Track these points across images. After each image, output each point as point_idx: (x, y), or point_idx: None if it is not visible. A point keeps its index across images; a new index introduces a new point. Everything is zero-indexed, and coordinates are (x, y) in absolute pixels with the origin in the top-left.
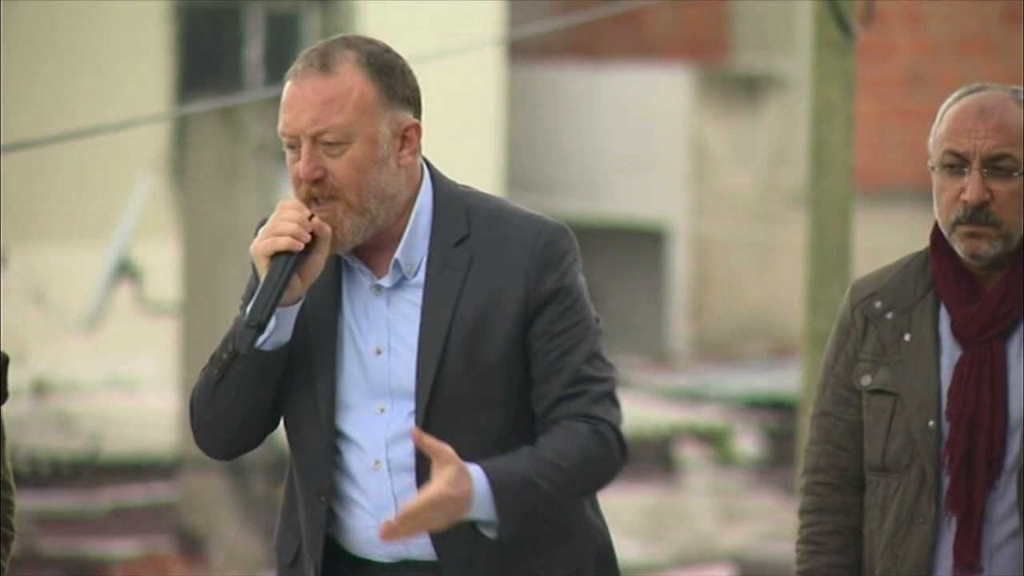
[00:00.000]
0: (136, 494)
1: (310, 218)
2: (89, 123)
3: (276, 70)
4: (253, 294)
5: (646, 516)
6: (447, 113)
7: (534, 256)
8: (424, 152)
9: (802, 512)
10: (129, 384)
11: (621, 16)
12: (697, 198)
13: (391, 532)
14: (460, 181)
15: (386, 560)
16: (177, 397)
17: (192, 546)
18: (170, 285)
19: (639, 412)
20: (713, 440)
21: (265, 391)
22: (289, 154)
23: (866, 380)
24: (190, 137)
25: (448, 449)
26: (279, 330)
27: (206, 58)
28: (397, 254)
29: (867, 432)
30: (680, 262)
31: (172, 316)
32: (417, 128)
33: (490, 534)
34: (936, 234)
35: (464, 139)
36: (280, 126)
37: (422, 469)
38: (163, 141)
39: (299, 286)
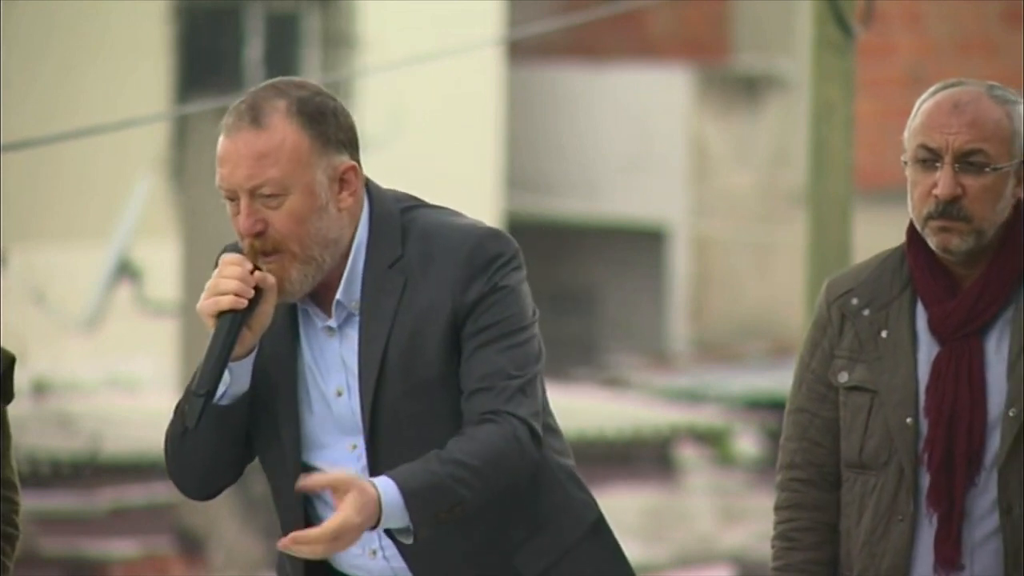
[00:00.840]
0: (136, 494)
1: (252, 271)
2: (89, 123)
3: (276, 70)
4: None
5: (646, 516)
6: (447, 113)
7: (458, 267)
8: (424, 152)
9: (777, 508)
10: (129, 384)
11: (621, 16)
12: (697, 198)
13: (287, 546)
14: (460, 181)
15: None
16: (177, 397)
17: (192, 546)
18: (170, 285)
19: (639, 412)
20: (713, 440)
21: (230, 440)
22: (229, 207)
23: (843, 377)
24: (190, 137)
25: (341, 476)
26: (235, 383)
27: (206, 58)
28: (338, 295)
29: (844, 429)
30: (680, 262)
31: (172, 316)
32: (355, 169)
33: (406, 540)
34: (912, 230)
35: (464, 139)
36: (217, 180)
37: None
38: (163, 141)
39: (249, 338)
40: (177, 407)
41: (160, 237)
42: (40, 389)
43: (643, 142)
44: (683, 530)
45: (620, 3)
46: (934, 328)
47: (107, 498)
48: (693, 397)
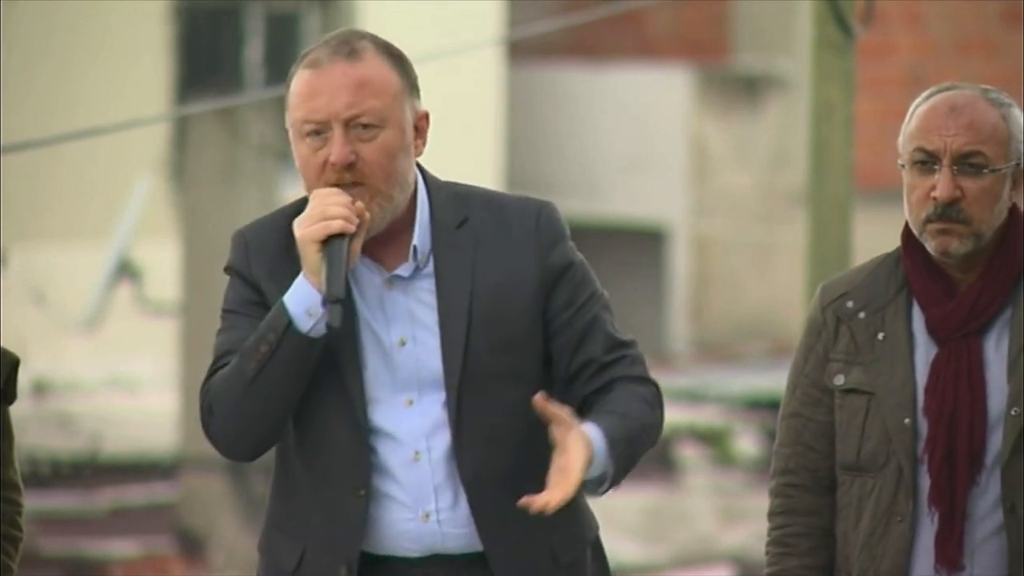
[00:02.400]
0: (136, 494)
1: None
2: (89, 123)
3: (276, 70)
4: (235, 309)
5: (646, 516)
6: (447, 113)
7: (539, 233)
8: (425, 152)
9: (772, 514)
10: (129, 384)
11: (621, 16)
12: (697, 198)
13: (558, 497)
14: (460, 181)
15: (416, 555)
16: (177, 397)
17: (192, 546)
18: (170, 285)
19: None
20: (713, 440)
21: (302, 383)
22: (311, 142)
23: (839, 380)
24: (190, 137)
25: (566, 413)
26: (322, 319)
27: (206, 58)
28: (415, 240)
29: (840, 432)
30: (680, 262)
31: (172, 316)
32: (427, 118)
33: (600, 489)
34: (907, 233)
35: (464, 139)
36: (303, 113)
37: (462, 459)
38: (163, 141)
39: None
40: (244, 353)
41: (160, 237)
42: (40, 389)
43: (643, 142)
44: (683, 530)
45: (620, 3)
46: (932, 329)
47: (107, 498)
48: (693, 397)
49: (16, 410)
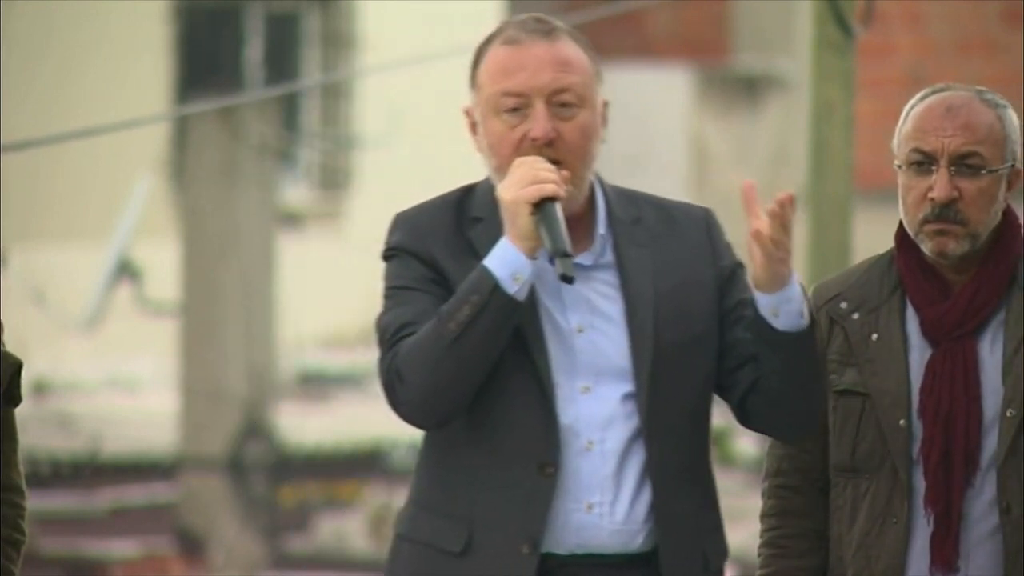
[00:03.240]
0: (136, 494)
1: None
2: (89, 123)
3: (276, 70)
4: (410, 285)
5: None
6: (447, 113)
7: (709, 234)
8: (424, 152)
9: (764, 516)
10: (129, 384)
11: (621, 16)
12: (697, 198)
13: (772, 218)
14: (460, 181)
15: (565, 552)
16: (177, 397)
17: (192, 546)
18: (170, 285)
19: None
20: (713, 440)
21: (500, 347)
22: (507, 118)
23: (833, 381)
24: (190, 137)
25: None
26: (526, 283)
27: (206, 58)
28: (600, 229)
29: (834, 433)
30: None
31: (172, 316)
32: (607, 106)
33: (784, 326)
34: (901, 234)
35: (464, 139)
36: (502, 87)
37: (650, 453)
38: (163, 141)
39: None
40: (442, 315)
41: (160, 237)
42: (40, 389)
43: (643, 142)
44: None
45: (620, 3)
46: (927, 330)
47: (107, 498)
48: None
49: (16, 410)
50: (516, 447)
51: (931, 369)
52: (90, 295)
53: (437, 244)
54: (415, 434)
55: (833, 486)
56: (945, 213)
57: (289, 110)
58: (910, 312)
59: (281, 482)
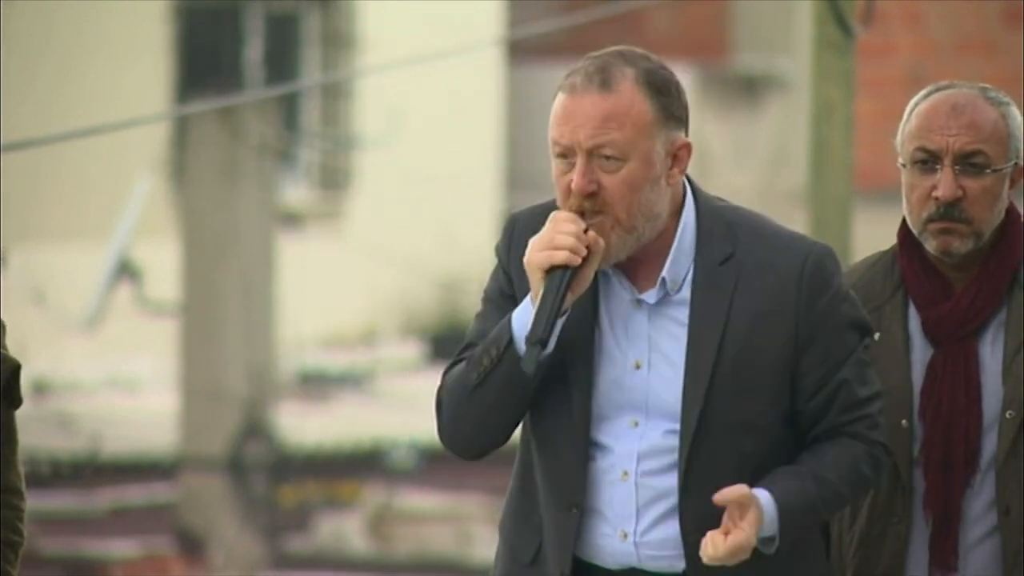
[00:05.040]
0: (136, 494)
1: (585, 231)
2: (89, 123)
3: (276, 70)
4: (489, 296)
5: None
6: (447, 113)
7: (803, 282)
8: (424, 152)
9: None
10: (129, 384)
11: (621, 16)
12: None
13: (712, 557)
14: (460, 181)
15: (614, 567)
16: (177, 397)
17: (192, 546)
18: (170, 285)
19: None
20: None
21: (523, 401)
22: (559, 164)
23: None
24: (190, 137)
25: (745, 490)
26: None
27: (206, 58)
28: (664, 272)
29: None
30: None
31: (172, 316)
32: (688, 148)
33: (766, 550)
34: (904, 232)
35: (464, 139)
36: (554, 135)
37: (684, 499)
38: (163, 141)
39: (568, 300)
40: (471, 360)
41: (160, 237)
42: (40, 389)
43: None
44: None
45: (620, 3)
46: (928, 331)
47: (107, 498)
48: None
49: (17, 411)
50: (554, 481)
51: (932, 370)
52: (90, 295)
53: (518, 257)
54: (415, 434)
55: None
56: (950, 212)
57: (289, 110)
58: (912, 311)
59: (281, 482)
